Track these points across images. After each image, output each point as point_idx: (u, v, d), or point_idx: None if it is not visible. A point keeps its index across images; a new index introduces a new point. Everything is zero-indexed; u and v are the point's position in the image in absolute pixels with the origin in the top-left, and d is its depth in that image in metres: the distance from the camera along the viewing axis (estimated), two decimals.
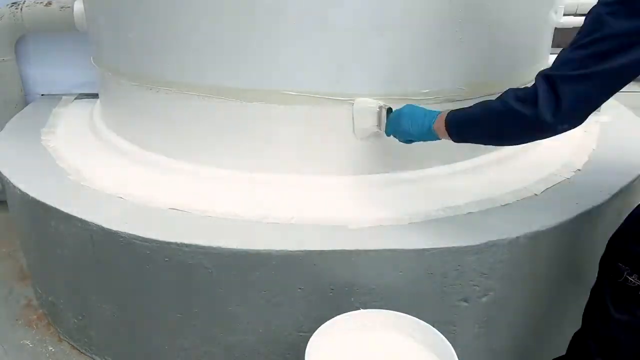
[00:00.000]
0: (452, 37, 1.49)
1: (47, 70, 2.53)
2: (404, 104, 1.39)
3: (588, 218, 1.49)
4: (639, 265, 1.19)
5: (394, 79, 1.50)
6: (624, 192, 1.61)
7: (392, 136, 1.44)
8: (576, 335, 1.40)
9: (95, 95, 2.28)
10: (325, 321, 1.23)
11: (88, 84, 2.45)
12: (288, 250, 1.33)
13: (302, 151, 1.57)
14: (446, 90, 1.55)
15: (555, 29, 2.01)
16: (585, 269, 1.64)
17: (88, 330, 1.73)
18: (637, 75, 1.02)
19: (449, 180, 1.63)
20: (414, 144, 1.41)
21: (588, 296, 1.36)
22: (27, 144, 1.95)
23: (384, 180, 1.60)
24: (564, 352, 1.49)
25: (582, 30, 1.05)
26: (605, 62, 0.99)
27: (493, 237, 1.35)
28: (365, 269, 1.35)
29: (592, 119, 2.14)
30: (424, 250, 1.33)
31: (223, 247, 1.33)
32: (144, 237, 1.38)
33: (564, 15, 2.09)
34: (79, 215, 1.46)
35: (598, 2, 1.03)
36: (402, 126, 1.36)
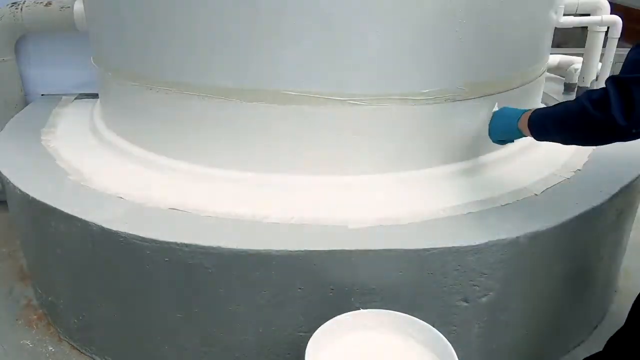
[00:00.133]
0: (452, 37, 1.49)
1: (47, 70, 2.53)
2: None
3: (588, 218, 1.49)
4: None
5: (394, 79, 1.50)
6: (624, 192, 1.61)
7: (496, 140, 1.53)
8: (616, 338, 1.39)
9: (95, 95, 2.28)
10: (325, 321, 1.23)
11: (88, 84, 2.45)
12: (288, 250, 1.33)
13: (302, 151, 1.57)
14: (446, 90, 1.55)
15: (555, 29, 2.01)
16: (585, 269, 1.65)
17: (88, 330, 1.73)
18: None
19: (449, 180, 1.63)
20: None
21: (587, 296, 1.35)
22: (27, 144, 1.95)
23: (384, 180, 1.60)
24: (563, 352, 1.48)
25: None
26: None
27: (493, 237, 1.35)
28: (365, 269, 1.35)
29: None
30: (424, 250, 1.33)
31: (223, 247, 1.33)
32: (144, 237, 1.38)
33: (564, 15, 2.09)
34: (79, 215, 1.46)
35: None
36: (493, 125, 1.46)
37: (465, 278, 1.38)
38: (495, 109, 1.59)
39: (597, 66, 2.34)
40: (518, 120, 1.35)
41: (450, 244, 1.34)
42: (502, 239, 1.36)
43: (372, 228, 1.41)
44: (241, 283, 1.38)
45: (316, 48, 1.44)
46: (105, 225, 1.42)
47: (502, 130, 1.42)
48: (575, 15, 2.22)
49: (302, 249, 1.33)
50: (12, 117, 2.29)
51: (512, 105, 1.73)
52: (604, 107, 1.06)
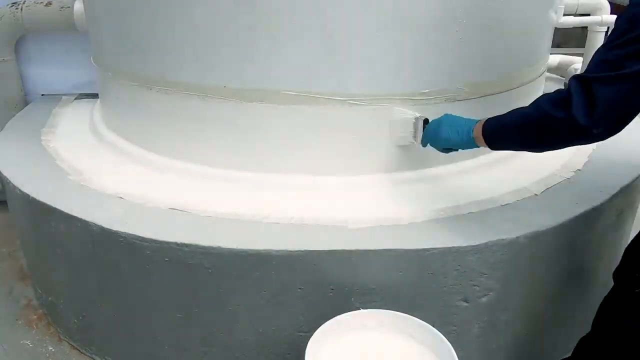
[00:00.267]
0: (452, 37, 1.49)
1: (47, 70, 2.53)
2: (443, 114, 1.39)
3: (588, 218, 1.49)
4: None
5: (394, 79, 1.50)
6: (624, 192, 1.61)
7: (428, 145, 1.44)
8: (584, 341, 1.39)
9: (95, 95, 2.28)
10: (325, 321, 1.23)
11: (88, 84, 2.45)
12: (288, 250, 1.33)
13: (302, 151, 1.57)
14: (446, 90, 1.55)
15: (555, 29, 2.01)
16: (585, 269, 1.65)
17: (88, 330, 1.73)
18: None
19: (449, 180, 1.63)
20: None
21: (587, 297, 1.35)
22: (27, 144, 1.95)
23: (384, 180, 1.60)
24: (563, 352, 1.49)
25: (616, 31, 1.02)
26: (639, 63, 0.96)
27: (493, 237, 1.35)
28: (365, 269, 1.35)
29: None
30: (424, 250, 1.33)
31: (223, 247, 1.33)
32: (144, 237, 1.38)
33: (564, 15, 2.10)
34: (79, 215, 1.46)
35: (631, 2, 1.01)
36: (442, 135, 1.34)
37: (465, 278, 1.38)
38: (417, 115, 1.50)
39: None
40: (472, 129, 1.28)
41: (450, 244, 1.34)
42: (502, 239, 1.36)
43: (372, 228, 1.41)
44: (241, 283, 1.38)
45: (316, 48, 1.44)
46: (105, 225, 1.42)
47: (455, 141, 1.32)
48: (575, 15, 2.22)
49: (302, 249, 1.33)
50: (12, 117, 2.29)
51: (512, 105, 1.73)
52: (565, 107, 1.04)
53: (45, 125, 2.14)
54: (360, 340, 1.24)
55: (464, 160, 1.67)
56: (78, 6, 2.24)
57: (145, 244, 1.38)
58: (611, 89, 0.99)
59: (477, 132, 1.27)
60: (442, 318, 1.42)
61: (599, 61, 1.04)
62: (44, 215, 1.57)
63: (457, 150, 1.37)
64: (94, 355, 1.77)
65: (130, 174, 1.70)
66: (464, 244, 1.34)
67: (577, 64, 2.50)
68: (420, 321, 1.23)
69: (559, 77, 2.69)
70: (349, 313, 1.27)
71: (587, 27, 2.35)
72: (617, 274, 1.31)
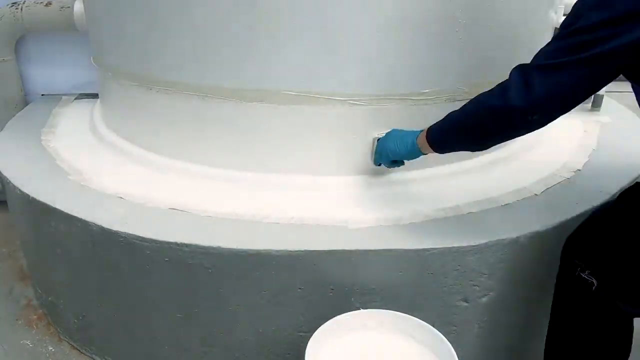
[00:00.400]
0: (452, 37, 1.49)
1: (47, 70, 2.53)
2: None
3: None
4: (592, 262, 1.21)
5: (394, 79, 1.50)
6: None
7: (380, 165, 1.50)
8: (548, 331, 1.41)
9: (95, 95, 2.28)
10: (325, 321, 1.23)
11: (88, 84, 2.45)
12: (288, 250, 1.33)
13: (302, 151, 1.57)
14: (446, 90, 1.55)
15: (555, 29, 2.01)
16: None
17: (88, 330, 1.73)
18: (613, 71, 1.01)
19: (449, 180, 1.63)
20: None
21: None
22: (27, 144, 1.95)
23: (385, 180, 1.60)
24: None
25: (562, 25, 1.05)
26: (578, 53, 0.99)
27: (493, 237, 1.35)
28: (365, 269, 1.35)
29: (592, 118, 2.15)
30: (424, 250, 1.33)
31: (223, 247, 1.33)
32: (144, 237, 1.38)
33: (564, 15, 2.09)
34: (79, 215, 1.46)
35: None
36: (389, 147, 1.40)
37: (465, 278, 1.38)
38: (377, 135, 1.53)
39: None
40: (416, 137, 1.32)
41: (450, 244, 1.34)
42: (502, 239, 1.36)
43: (372, 228, 1.41)
44: (241, 283, 1.38)
45: (316, 48, 1.44)
46: (105, 225, 1.42)
47: (400, 152, 1.37)
48: None
49: (302, 249, 1.33)
50: (12, 117, 2.29)
51: None
52: (502, 95, 1.07)
53: (45, 125, 2.13)
54: (360, 340, 1.24)
55: (464, 160, 1.67)
56: (78, 6, 2.24)
57: (145, 244, 1.38)
58: (548, 77, 1.02)
59: (422, 139, 1.30)
60: (442, 318, 1.42)
61: (541, 52, 1.07)
62: (44, 215, 1.57)
63: (403, 163, 1.44)
64: (94, 355, 1.77)
65: (131, 174, 1.70)
66: (464, 244, 1.34)
67: None
68: (420, 321, 1.23)
69: None
70: (349, 313, 1.27)
71: None
72: (561, 258, 1.33)
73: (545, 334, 1.40)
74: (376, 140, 1.52)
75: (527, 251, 1.40)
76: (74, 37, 2.37)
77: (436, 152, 1.30)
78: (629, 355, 1.31)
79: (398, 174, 1.61)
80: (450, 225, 1.42)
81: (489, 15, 1.53)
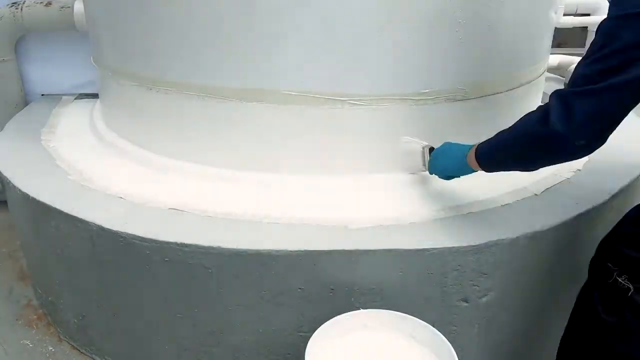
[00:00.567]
0: (452, 37, 1.49)
1: (47, 70, 2.53)
2: (443, 142, 1.44)
3: (588, 218, 1.49)
4: (629, 267, 1.18)
5: (394, 78, 1.50)
6: (624, 192, 1.61)
7: (434, 175, 1.48)
8: (564, 337, 1.39)
9: (95, 95, 2.28)
10: (325, 321, 1.23)
11: (88, 84, 2.45)
12: (288, 250, 1.33)
13: (302, 151, 1.57)
14: (446, 90, 1.55)
15: (555, 29, 2.01)
16: (585, 269, 1.64)
17: (88, 330, 1.73)
18: None
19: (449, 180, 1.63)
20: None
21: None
22: (27, 144, 1.95)
23: (385, 180, 1.60)
24: None
25: (593, 46, 1.04)
26: (616, 76, 0.98)
27: (493, 237, 1.35)
28: (365, 269, 1.35)
29: None
30: (424, 250, 1.33)
31: (223, 247, 1.33)
32: (144, 237, 1.38)
33: (564, 15, 2.10)
34: (79, 215, 1.46)
35: (608, 15, 1.03)
36: (441, 163, 1.42)
37: (465, 278, 1.38)
38: (423, 144, 1.55)
39: None
40: (466, 155, 1.31)
41: (450, 244, 1.34)
42: (502, 239, 1.36)
43: (372, 228, 1.41)
44: (241, 283, 1.38)
45: (316, 48, 1.44)
46: (105, 225, 1.42)
47: (452, 168, 1.38)
48: (575, 15, 2.22)
49: (302, 249, 1.33)
50: (12, 117, 2.29)
51: (513, 105, 1.73)
52: (545, 119, 1.06)
53: (45, 125, 2.14)
54: (360, 340, 1.24)
55: None
56: (78, 6, 2.24)
57: (145, 244, 1.38)
58: (588, 102, 1.01)
59: (470, 157, 1.30)
60: (442, 318, 1.42)
61: (577, 76, 1.06)
62: (44, 215, 1.57)
63: (458, 176, 1.41)
64: (94, 355, 1.77)
65: (131, 174, 1.70)
66: (464, 244, 1.34)
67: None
68: (420, 321, 1.23)
69: (559, 77, 2.69)
70: (349, 313, 1.27)
71: (587, 27, 2.36)
72: (591, 265, 1.31)
73: (545, 333, 1.39)
74: (426, 149, 1.52)
75: (527, 251, 1.40)
76: (74, 37, 2.37)
77: (484, 170, 1.29)
78: None
79: (398, 174, 1.61)
80: (450, 225, 1.42)
81: (488, 15, 1.53)
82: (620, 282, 1.18)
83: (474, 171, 1.33)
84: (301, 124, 1.54)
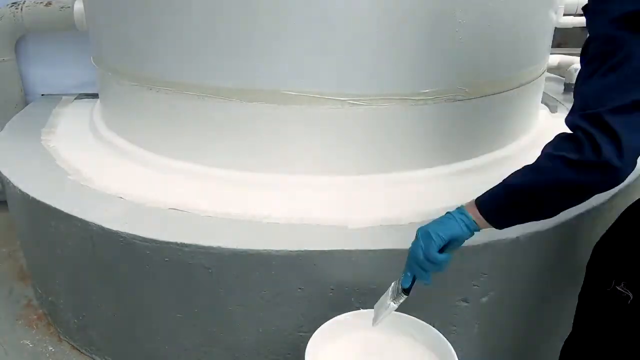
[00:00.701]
0: (452, 37, 1.49)
1: (47, 70, 2.53)
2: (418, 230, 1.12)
3: (588, 218, 1.49)
4: (626, 272, 1.14)
5: (394, 79, 1.50)
6: (624, 192, 1.61)
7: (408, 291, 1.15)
8: (568, 342, 1.39)
9: (95, 95, 2.28)
10: (325, 321, 1.23)
11: (88, 84, 2.45)
12: (288, 250, 1.33)
13: (302, 151, 1.57)
14: (446, 90, 1.55)
15: (555, 29, 2.01)
16: (585, 269, 1.64)
17: (88, 330, 1.73)
18: None
19: (449, 180, 1.63)
20: None
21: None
22: (27, 144, 1.95)
23: (385, 180, 1.60)
24: None
25: (596, 57, 0.95)
26: None
27: (493, 237, 1.35)
28: (365, 269, 1.35)
29: None
30: None
31: (223, 247, 1.33)
32: (144, 237, 1.38)
33: (564, 15, 2.09)
34: (79, 215, 1.46)
35: (602, 23, 0.95)
36: (424, 227, 1.11)
37: (465, 278, 1.38)
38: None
39: None
40: (463, 214, 1.09)
41: None
42: (502, 239, 1.36)
43: (372, 228, 1.41)
44: (241, 283, 1.38)
45: (316, 48, 1.44)
46: (105, 225, 1.42)
47: (455, 230, 1.08)
48: (575, 15, 2.22)
49: (302, 249, 1.33)
50: (12, 117, 2.29)
51: (512, 105, 1.73)
52: (589, 151, 0.90)
53: (45, 125, 2.14)
54: (360, 340, 1.24)
55: (464, 161, 1.67)
56: (78, 6, 2.24)
57: (145, 244, 1.38)
58: (628, 118, 0.89)
59: (472, 210, 1.09)
60: (442, 318, 1.42)
61: (596, 93, 0.93)
62: (44, 215, 1.57)
63: (442, 267, 1.09)
64: (94, 355, 1.77)
65: (131, 174, 1.70)
66: (464, 244, 1.33)
67: (577, 64, 2.50)
68: (420, 321, 1.23)
69: (559, 77, 2.69)
70: (349, 313, 1.27)
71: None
72: (588, 270, 1.28)
73: (546, 333, 1.39)
74: (395, 283, 1.19)
75: (527, 251, 1.40)
76: (74, 37, 2.37)
77: (495, 226, 1.08)
78: None
79: (397, 174, 1.61)
80: None
81: (489, 15, 1.53)
82: (619, 291, 1.14)
83: (478, 229, 1.09)
84: (301, 124, 1.54)
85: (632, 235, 1.17)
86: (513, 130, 1.79)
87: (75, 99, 2.47)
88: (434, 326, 1.22)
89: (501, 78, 1.67)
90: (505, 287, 1.44)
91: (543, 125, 1.99)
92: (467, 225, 1.08)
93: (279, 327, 1.44)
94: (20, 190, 1.63)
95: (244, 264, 1.35)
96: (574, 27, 2.25)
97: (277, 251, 1.32)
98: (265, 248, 1.33)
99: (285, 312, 1.41)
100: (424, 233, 1.09)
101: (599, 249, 1.26)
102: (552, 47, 2.03)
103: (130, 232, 1.39)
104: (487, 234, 1.35)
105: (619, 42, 0.92)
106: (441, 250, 1.08)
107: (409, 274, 1.13)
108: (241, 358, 1.51)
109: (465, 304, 1.43)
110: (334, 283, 1.37)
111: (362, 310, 1.30)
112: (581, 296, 1.31)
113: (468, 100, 1.59)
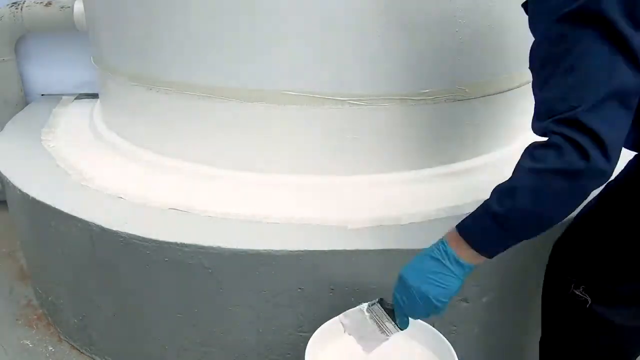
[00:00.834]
0: (452, 37, 1.49)
1: (47, 70, 2.53)
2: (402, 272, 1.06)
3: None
4: (585, 275, 1.13)
5: (394, 78, 1.50)
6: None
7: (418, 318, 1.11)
8: (541, 343, 1.39)
9: (95, 95, 2.28)
10: (326, 321, 1.23)
11: (88, 84, 2.45)
12: (288, 250, 1.33)
13: (302, 151, 1.57)
14: (446, 90, 1.55)
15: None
16: None
17: (88, 330, 1.73)
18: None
19: (449, 180, 1.63)
20: None
21: None
22: (27, 144, 1.95)
23: (384, 180, 1.60)
24: None
25: (547, 61, 0.94)
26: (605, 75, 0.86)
27: None
28: (365, 269, 1.35)
29: None
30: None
31: (223, 247, 1.33)
32: (144, 237, 1.38)
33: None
34: (79, 215, 1.46)
35: (548, 25, 0.93)
36: (422, 288, 1.02)
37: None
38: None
39: None
40: (445, 245, 1.02)
41: None
42: None
43: (372, 228, 1.41)
44: (241, 283, 1.38)
45: (316, 48, 1.44)
46: (105, 225, 1.42)
47: (436, 278, 1.01)
48: None
49: (302, 249, 1.33)
50: (12, 117, 2.29)
51: (512, 105, 1.73)
52: (574, 156, 0.86)
53: (45, 125, 2.14)
54: None
55: (464, 160, 1.67)
56: (78, 6, 2.24)
57: (145, 244, 1.38)
58: (605, 115, 0.87)
59: (455, 241, 1.02)
60: (442, 318, 1.42)
61: (561, 94, 0.90)
62: (44, 215, 1.57)
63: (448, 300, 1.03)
64: (94, 355, 1.77)
65: (131, 174, 1.70)
66: None
67: None
68: (421, 321, 1.23)
69: None
70: None
71: None
72: (547, 275, 1.27)
73: None
74: (374, 306, 1.12)
75: (527, 251, 1.40)
76: (74, 37, 2.37)
77: (486, 256, 1.03)
78: None
79: (398, 174, 1.61)
80: (450, 225, 1.42)
81: (489, 15, 1.53)
82: (578, 295, 1.13)
83: (465, 271, 1.02)
84: (301, 124, 1.54)
85: (588, 237, 1.16)
86: (513, 130, 1.79)
87: (75, 99, 2.47)
88: (434, 326, 1.22)
89: (501, 78, 1.67)
90: (506, 287, 1.44)
91: None
92: (464, 275, 1.02)
93: (279, 327, 1.44)
94: (20, 190, 1.63)
95: (244, 264, 1.35)
96: None
97: (277, 251, 1.32)
98: (265, 248, 1.33)
99: (285, 312, 1.41)
100: (422, 296, 1.01)
101: (557, 250, 1.24)
102: None
103: (130, 232, 1.39)
104: None
105: (571, 41, 0.89)
106: None
107: (400, 316, 1.08)
108: (241, 358, 1.51)
109: (465, 304, 1.43)
110: (334, 283, 1.37)
111: None
112: (543, 298, 1.30)
113: (468, 100, 1.59)
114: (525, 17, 1.11)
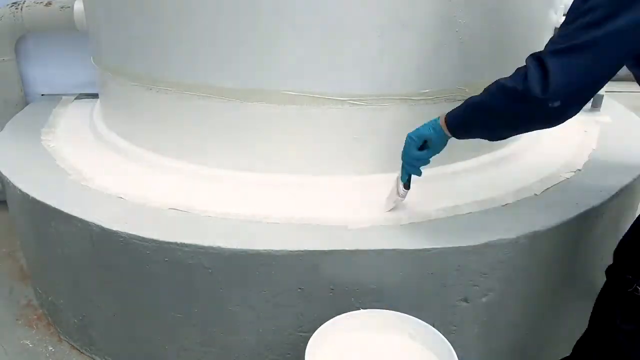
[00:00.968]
0: (452, 37, 1.49)
1: (47, 70, 2.53)
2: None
3: (588, 218, 1.49)
4: None
5: (394, 79, 1.50)
6: (624, 192, 1.61)
7: (410, 175, 1.39)
8: (580, 342, 1.39)
9: (95, 95, 2.28)
10: (325, 321, 1.23)
11: (88, 84, 2.45)
12: (288, 250, 1.33)
13: (302, 151, 1.57)
14: (446, 90, 1.55)
15: (555, 28, 2.00)
16: (585, 269, 1.65)
17: (88, 330, 1.73)
18: (632, 48, 0.99)
19: (449, 180, 1.63)
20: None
21: (588, 297, 1.35)
22: (27, 144, 1.95)
23: (384, 180, 1.60)
24: (563, 353, 1.49)
25: (571, 11, 1.05)
26: (592, 32, 0.97)
27: (493, 237, 1.35)
28: (365, 269, 1.35)
29: (592, 118, 2.15)
30: (424, 250, 1.33)
31: (223, 247, 1.33)
32: (144, 237, 1.38)
33: (564, 15, 2.09)
34: (79, 215, 1.46)
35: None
36: (414, 145, 1.31)
37: (465, 278, 1.38)
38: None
39: None
40: (435, 120, 1.26)
41: (450, 244, 1.34)
42: (502, 239, 1.36)
43: (372, 228, 1.41)
44: (241, 283, 1.38)
45: (316, 48, 1.44)
46: (105, 225, 1.42)
47: (425, 131, 1.28)
48: None
49: (302, 249, 1.33)
50: (12, 117, 2.29)
51: None
52: (521, 80, 1.04)
53: (45, 125, 2.14)
54: (360, 340, 1.24)
55: (464, 160, 1.68)
56: (78, 6, 2.24)
57: (145, 244, 1.38)
58: (563, 60, 0.99)
59: (442, 122, 1.26)
60: (442, 318, 1.42)
61: (554, 37, 1.06)
62: (44, 215, 1.57)
63: (434, 153, 1.32)
64: (94, 355, 1.77)
65: (131, 174, 1.70)
66: (464, 244, 1.34)
67: None
68: (420, 321, 1.23)
69: None
70: (349, 313, 1.27)
71: None
72: (609, 272, 1.30)
73: (546, 333, 1.39)
74: (398, 179, 1.43)
75: (527, 251, 1.40)
76: (74, 37, 2.37)
77: (454, 136, 1.26)
78: None
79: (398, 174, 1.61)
80: (450, 225, 1.42)
81: (489, 15, 1.53)
82: (638, 296, 1.17)
83: (447, 136, 1.27)
84: (301, 124, 1.54)
85: None
86: None
87: (75, 99, 2.47)
88: (434, 326, 1.22)
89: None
90: (505, 287, 1.44)
91: None
92: (433, 128, 1.27)
93: (279, 327, 1.44)
94: (20, 190, 1.63)
95: (244, 264, 1.35)
96: None
97: (277, 251, 1.32)
98: (265, 248, 1.33)
99: (285, 312, 1.41)
100: (406, 138, 1.32)
101: (619, 253, 1.28)
102: None
103: (130, 232, 1.39)
104: (487, 235, 1.36)
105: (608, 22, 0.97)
106: (421, 149, 1.31)
107: (405, 172, 1.38)
108: (241, 358, 1.51)
109: (465, 304, 1.43)
110: (334, 283, 1.37)
111: (362, 310, 1.30)
112: (600, 298, 1.32)
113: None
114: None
